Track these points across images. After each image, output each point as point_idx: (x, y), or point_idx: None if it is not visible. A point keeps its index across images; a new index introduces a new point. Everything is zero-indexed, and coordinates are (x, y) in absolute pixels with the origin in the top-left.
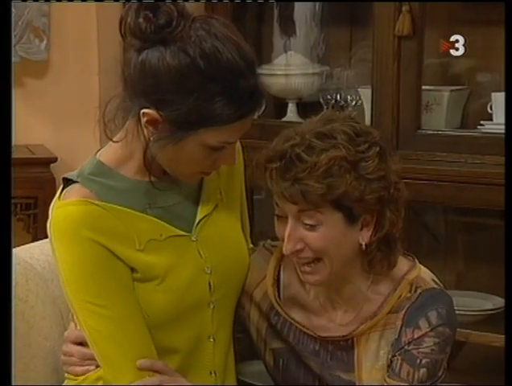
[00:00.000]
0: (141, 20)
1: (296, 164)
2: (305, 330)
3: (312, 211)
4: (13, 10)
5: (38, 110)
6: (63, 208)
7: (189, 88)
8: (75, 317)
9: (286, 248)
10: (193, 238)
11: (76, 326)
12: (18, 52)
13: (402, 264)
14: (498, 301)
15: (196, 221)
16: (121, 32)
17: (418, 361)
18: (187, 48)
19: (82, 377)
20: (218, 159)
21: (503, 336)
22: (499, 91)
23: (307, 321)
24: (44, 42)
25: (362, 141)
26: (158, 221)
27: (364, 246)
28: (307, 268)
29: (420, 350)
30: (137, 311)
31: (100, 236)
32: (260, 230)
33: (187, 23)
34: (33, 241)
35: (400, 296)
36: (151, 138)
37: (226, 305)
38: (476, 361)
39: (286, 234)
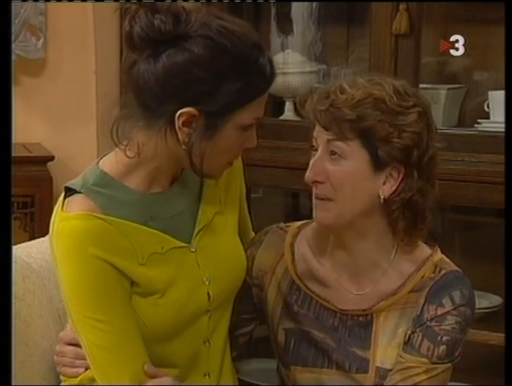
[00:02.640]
0: (158, 22)
1: (337, 93)
2: (325, 303)
3: (340, 141)
4: None
5: (35, 108)
6: (67, 222)
7: (221, 72)
8: (74, 329)
9: (308, 175)
10: (192, 249)
11: (71, 327)
12: (14, 51)
13: (425, 247)
14: (495, 300)
15: (195, 232)
16: (129, 44)
17: (439, 338)
18: (207, 34)
19: (77, 379)
20: (245, 141)
21: (500, 334)
22: (496, 89)
23: (326, 294)
24: (41, 40)
25: (406, 98)
26: (160, 233)
27: (382, 199)
28: (319, 202)
29: (442, 327)
30: (135, 324)
31: (104, 252)
32: (257, 228)
33: (193, 15)
34: (30, 240)
35: (423, 276)
36: (192, 139)
37: (222, 310)
38: (472, 359)
39: (312, 162)
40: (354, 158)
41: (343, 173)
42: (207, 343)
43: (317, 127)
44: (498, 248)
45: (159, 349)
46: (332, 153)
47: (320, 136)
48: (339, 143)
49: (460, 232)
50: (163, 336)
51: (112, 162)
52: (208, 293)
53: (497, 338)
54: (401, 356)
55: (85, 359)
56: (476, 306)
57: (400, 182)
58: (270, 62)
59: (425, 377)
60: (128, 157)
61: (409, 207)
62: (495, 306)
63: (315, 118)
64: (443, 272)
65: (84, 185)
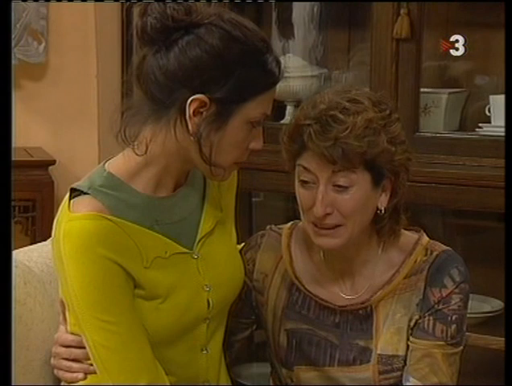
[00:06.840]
0: (171, 10)
1: (333, 125)
2: (324, 303)
3: (347, 171)
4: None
5: (36, 113)
6: (76, 222)
7: (233, 61)
8: (79, 330)
9: (318, 211)
10: (194, 255)
11: (65, 329)
12: (16, 55)
13: (410, 234)
14: (497, 304)
15: (198, 239)
16: (141, 38)
17: (449, 318)
18: (219, 24)
19: (77, 385)
20: (252, 140)
21: (501, 339)
22: (497, 93)
23: (324, 294)
24: (43, 44)
25: (383, 108)
26: (164, 238)
27: (382, 211)
28: (327, 232)
29: (450, 307)
30: (141, 326)
31: (112, 252)
32: (259, 231)
33: (202, 6)
34: (31, 244)
35: (416, 260)
36: (201, 129)
37: (220, 318)
38: (474, 363)
39: (319, 197)
40: (360, 183)
41: (352, 201)
42: (204, 351)
43: (317, 160)
44: (500, 253)
45: (157, 355)
46: (338, 183)
47: (323, 169)
48: (345, 173)
49: (461, 236)
50: (162, 342)
51: (119, 164)
52: (208, 301)
53: (499, 342)
54: (417, 343)
55: (82, 362)
56: (478, 311)
57: (392, 191)
58: (278, 60)
59: (447, 364)
60: (137, 155)
61: (394, 209)
62: (496, 311)
63: (321, 155)
64: (435, 253)
65: (92, 186)
